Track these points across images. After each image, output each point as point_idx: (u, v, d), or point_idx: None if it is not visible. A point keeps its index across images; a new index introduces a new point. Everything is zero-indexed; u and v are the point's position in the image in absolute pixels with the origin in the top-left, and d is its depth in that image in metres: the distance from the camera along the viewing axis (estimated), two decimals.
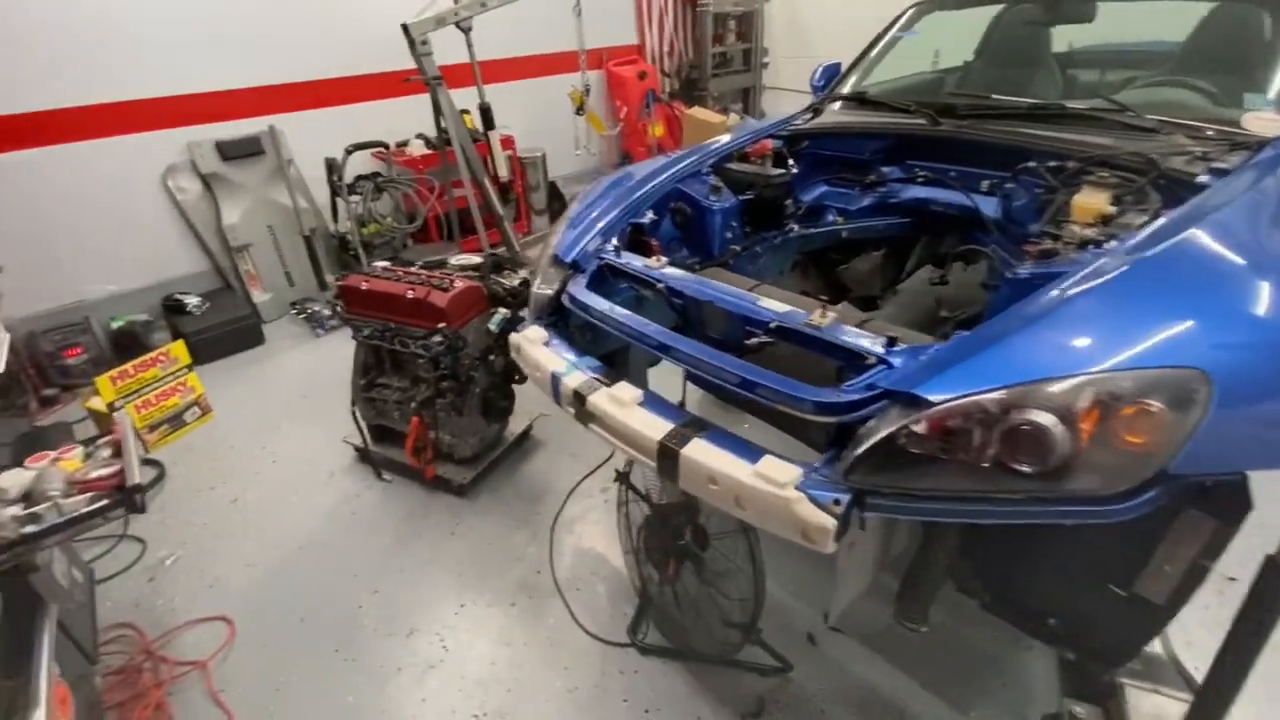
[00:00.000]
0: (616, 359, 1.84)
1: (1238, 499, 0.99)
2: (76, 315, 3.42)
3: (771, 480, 1.05)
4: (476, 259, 2.45)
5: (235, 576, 2.16)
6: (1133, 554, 1.07)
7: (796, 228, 2.27)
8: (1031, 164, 1.81)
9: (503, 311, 2.23)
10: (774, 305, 1.34)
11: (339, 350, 3.64)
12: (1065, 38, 3.25)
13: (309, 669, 1.83)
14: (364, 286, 2.21)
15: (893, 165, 2.23)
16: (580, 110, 4.50)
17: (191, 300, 3.66)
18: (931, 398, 1.00)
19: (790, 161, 2.32)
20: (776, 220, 2.25)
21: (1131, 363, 0.97)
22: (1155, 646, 1.56)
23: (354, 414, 2.49)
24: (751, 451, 1.13)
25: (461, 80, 3.66)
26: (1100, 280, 1.11)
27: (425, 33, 3.36)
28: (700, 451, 1.15)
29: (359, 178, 3.93)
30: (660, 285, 1.53)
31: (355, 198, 3.90)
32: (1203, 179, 1.55)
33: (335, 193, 3.83)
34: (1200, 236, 1.18)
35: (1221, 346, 0.97)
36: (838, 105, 2.56)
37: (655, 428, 1.21)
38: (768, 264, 2.24)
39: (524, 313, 1.84)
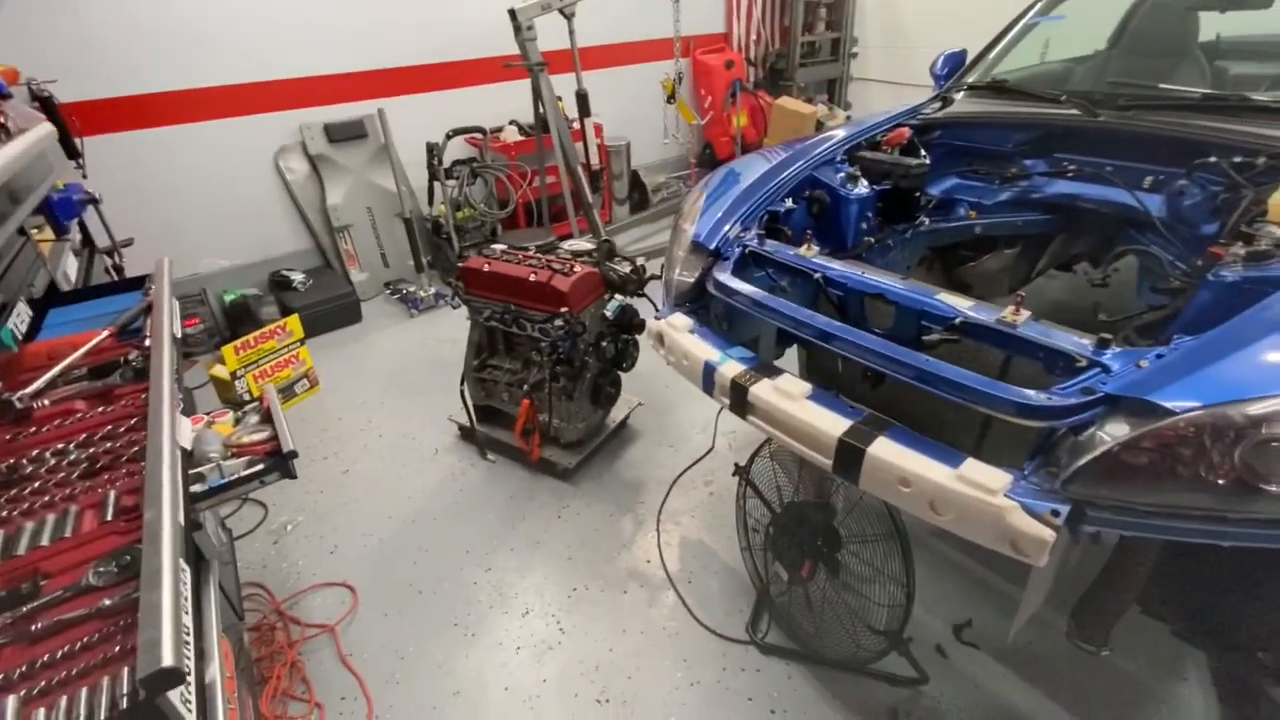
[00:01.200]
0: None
1: None
2: (194, 288, 3.60)
3: (980, 486, 0.99)
4: (589, 244, 2.45)
5: (353, 545, 2.23)
6: None
7: (927, 221, 2.17)
8: (1212, 159, 1.68)
9: (619, 298, 2.22)
10: (955, 300, 1.27)
11: (433, 330, 3.73)
12: (1212, 27, 3.02)
13: (431, 640, 1.87)
14: (486, 268, 2.24)
15: (1037, 159, 2.10)
16: (671, 99, 4.45)
17: (297, 276, 3.81)
18: (1172, 405, 0.92)
19: (922, 152, 2.23)
20: (908, 213, 2.16)
21: None
22: None
23: (462, 393, 2.53)
24: (947, 453, 1.08)
25: (557, 67, 3.67)
26: None
27: (531, 18, 3.38)
28: (889, 451, 1.10)
29: (456, 162, 3.99)
30: (817, 275, 1.48)
31: (452, 182, 3.97)
32: None
33: (434, 176, 3.90)
34: None
35: None
36: (960, 95, 2.43)
37: (833, 423, 1.17)
38: (897, 258, 2.15)
39: (652, 299, 1.81)
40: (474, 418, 2.57)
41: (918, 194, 2.17)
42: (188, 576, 0.94)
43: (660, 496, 2.34)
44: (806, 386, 1.26)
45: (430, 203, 4.12)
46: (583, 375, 2.26)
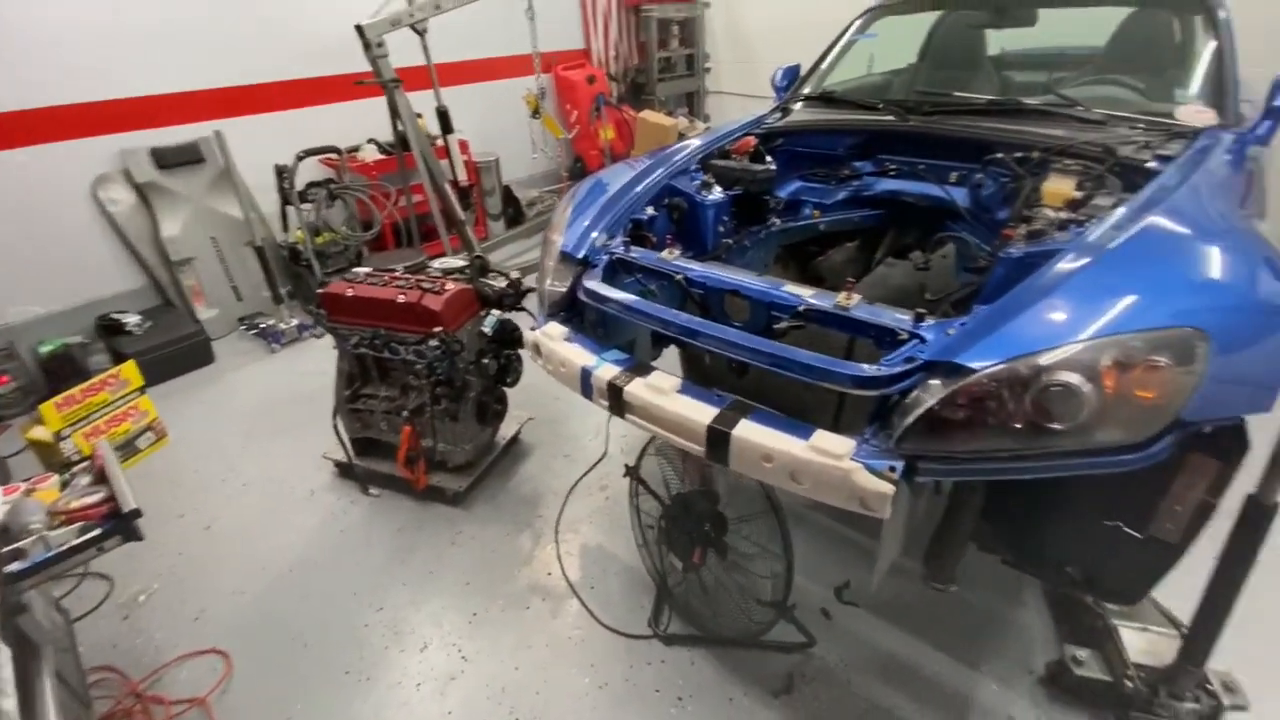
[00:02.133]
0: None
1: (1237, 441, 1.11)
2: (0, 340, 3.12)
3: (828, 453, 1.10)
4: (461, 261, 2.41)
5: (222, 606, 2.03)
6: (1147, 499, 1.18)
7: (778, 222, 2.35)
8: (999, 155, 1.96)
9: (496, 313, 2.21)
10: (799, 290, 1.40)
11: (298, 364, 3.49)
12: (997, 42, 3.52)
13: (322, 694, 1.75)
14: (350, 293, 2.14)
15: (864, 160, 2.35)
16: (536, 114, 4.48)
17: (130, 319, 3.41)
18: (974, 365, 1.07)
19: (768, 158, 2.42)
20: (760, 215, 2.33)
21: (1140, 324, 1.07)
22: None
23: (335, 427, 2.39)
24: (799, 428, 1.18)
25: (414, 84, 3.58)
26: (1099, 254, 1.22)
27: (381, 34, 3.27)
28: (751, 431, 1.18)
29: (310, 185, 3.76)
30: (679, 276, 1.56)
31: (307, 206, 3.74)
32: (1152, 165, 1.73)
33: (286, 201, 3.65)
34: (1177, 212, 1.32)
35: (1213, 309, 1.09)
36: (798, 105, 2.66)
37: (701, 412, 1.24)
38: (755, 257, 2.31)
39: (526, 313, 1.82)
40: (351, 452, 2.44)
41: (767, 197, 2.36)
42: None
43: (558, 507, 2.34)
44: (676, 381, 1.33)
45: (285, 229, 3.85)
46: (465, 395, 2.21)
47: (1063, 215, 1.64)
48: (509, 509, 2.37)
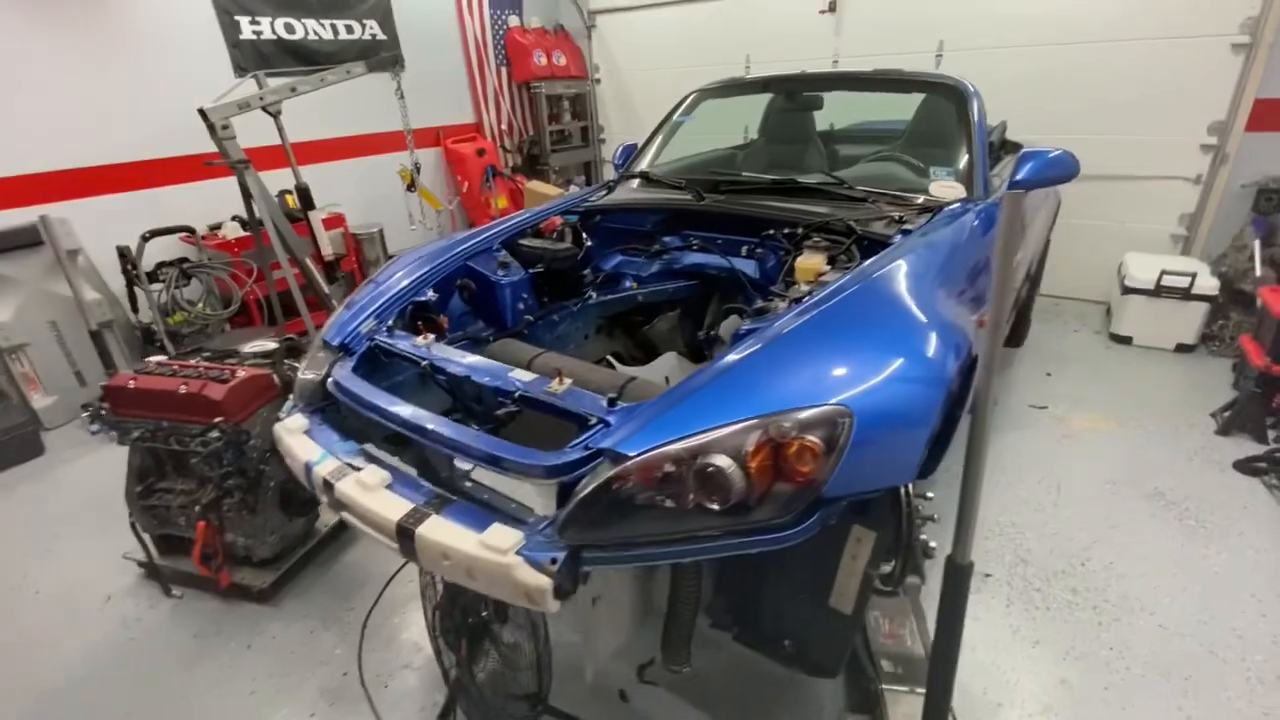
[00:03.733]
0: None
1: (888, 512, 1.16)
2: None
3: (494, 548, 1.09)
4: (273, 344, 2.36)
5: None
6: (821, 572, 1.21)
7: (595, 295, 2.41)
8: (770, 231, 2.09)
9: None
10: (521, 375, 1.41)
11: None
12: (828, 118, 3.81)
13: None
14: (132, 385, 2.05)
15: (672, 235, 2.46)
16: (411, 187, 4.53)
17: None
18: (629, 452, 1.10)
19: (584, 235, 2.50)
20: (574, 289, 2.38)
21: (788, 404, 1.13)
22: (918, 648, 1.74)
23: (133, 526, 2.24)
24: (485, 519, 1.17)
25: (282, 159, 3.59)
26: (774, 336, 1.29)
27: (226, 117, 3.28)
28: (434, 529, 1.17)
29: (160, 264, 3.66)
30: (425, 363, 1.56)
31: (157, 285, 3.63)
32: (896, 239, 1.86)
33: (131, 282, 3.54)
34: (855, 293, 1.41)
35: (862, 387, 1.16)
36: (635, 182, 2.79)
37: (395, 508, 1.22)
38: (569, 330, 2.35)
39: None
40: (152, 551, 2.29)
41: (584, 272, 2.43)
42: None
43: (374, 598, 2.23)
44: (386, 475, 1.31)
45: (134, 310, 3.71)
46: (261, 486, 2.12)
47: (805, 288, 1.74)
48: (320, 603, 2.25)
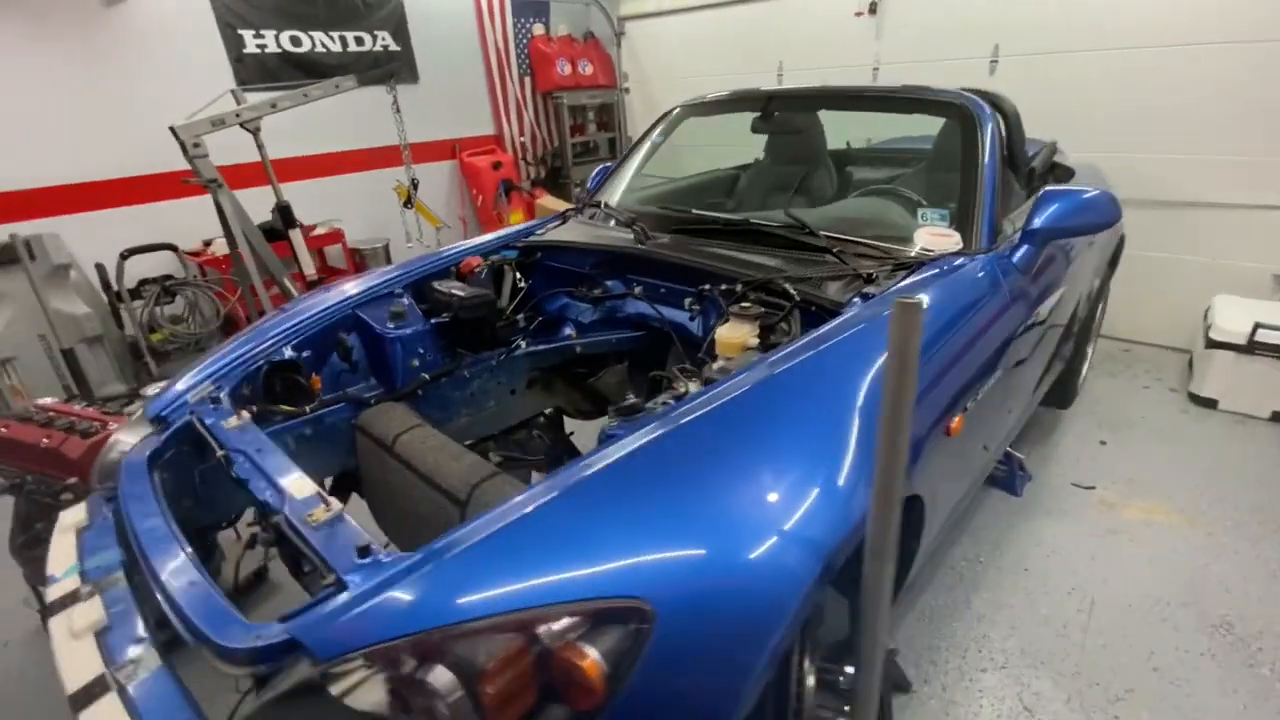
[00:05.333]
0: None
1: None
2: None
3: None
4: None
5: None
6: None
7: (523, 344, 2.10)
8: (706, 286, 1.71)
9: None
10: (293, 488, 1.11)
11: None
12: (843, 135, 3.35)
13: None
14: (2, 432, 1.90)
15: (616, 278, 2.11)
16: (408, 204, 4.38)
17: None
18: (319, 655, 0.78)
19: (518, 275, 2.19)
20: (501, 338, 2.08)
21: (568, 590, 0.77)
22: None
23: (25, 576, 2.11)
24: (174, 709, 0.88)
25: (286, 174, 3.51)
26: (569, 483, 0.93)
27: (199, 135, 3.19)
28: (103, 713, 0.88)
29: (143, 281, 3.63)
30: (220, 454, 1.29)
31: (138, 302, 3.60)
32: (852, 307, 1.46)
33: (114, 299, 3.52)
34: (733, 401, 1.03)
35: (676, 572, 0.79)
36: (590, 214, 2.46)
37: (80, 670, 0.94)
38: (489, 386, 2.05)
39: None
40: (42, 600, 2.14)
41: (517, 318, 2.12)
42: None
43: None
44: (102, 618, 1.03)
45: (120, 325, 3.70)
46: None
47: (715, 369, 1.37)
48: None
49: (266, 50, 4.24)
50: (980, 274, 1.56)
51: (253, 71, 4.20)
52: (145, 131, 3.92)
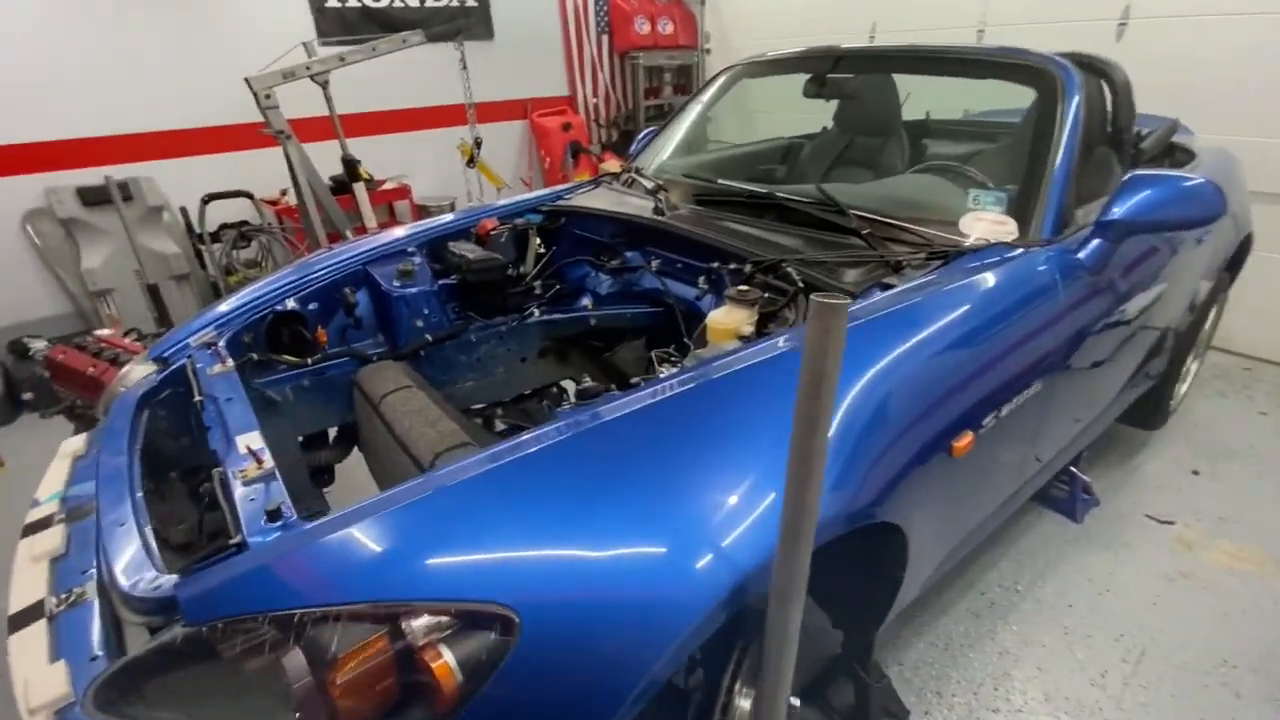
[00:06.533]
0: None
1: None
2: None
3: (33, 703, 0.81)
4: None
5: None
6: None
7: (536, 312, 2.06)
8: (716, 265, 1.58)
9: None
10: (241, 441, 1.11)
11: None
12: (922, 105, 3.02)
13: None
14: (60, 358, 2.06)
15: (636, 250, 2.01)
16: (471, 163, 4.40)
17: (37, 344, 3.59)
18: (190, 618, 0.76)
19: (539, 240, 2.14)
20: (515, 304, 2.04)
21: (434, 588, 0.72)
22: None
23: None
24: (80, 645, 0.90)
25: (358, 129, 3.63)
26: (490, 467, 0.86)
27: (270, 86, 3.31)
28: (25, 643, 0.91)
29: (222, 226, 3.87)
30: (198, 399, 1.32)
31: (218, 246, 3.84)
32: (864, 301, 1.29)
33: (197, 241, 3.77)
34: (632, 422, 0.92)
35: (544, 580, 0.71)
36: (622, 180, 2.35)
37: (25, 593, 0.99)
38: (496, 352, 2.03)
39: None
40: None
41: (534, 284, 2.07)
42: None
43: None
44: (58, 546, 1.08)
45: (204, 267, 3.98)
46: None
47: (695, 358, 1.26)
48: None
49: (347, 4, 4.34)
50: (1033, 270, 1.34)
51: (333, 24, 4.31)
52: (232, 82, 4.13)
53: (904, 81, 2.46)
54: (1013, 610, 2.00)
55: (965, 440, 1.13)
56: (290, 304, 1.67)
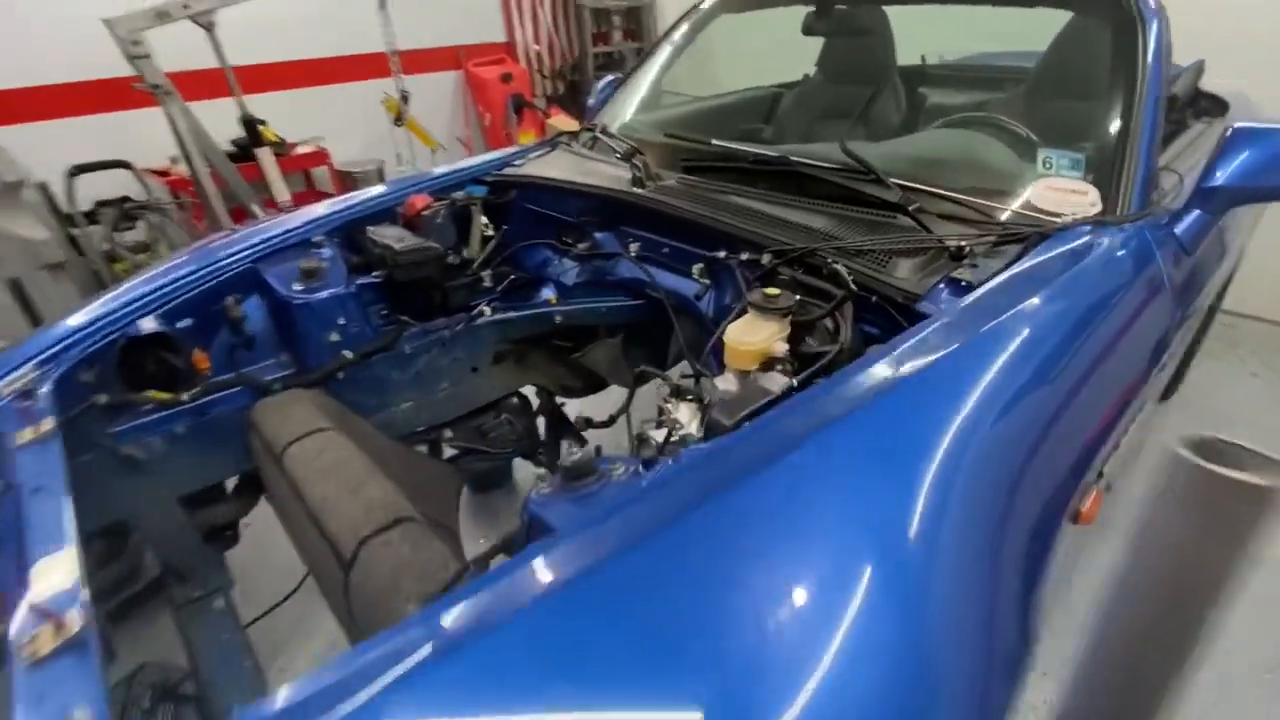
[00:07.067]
0: None
1: None
2: None
3: None
4: None
5: None
6: None
7: (487, 311, 1.65)
8: (721, 254, 1.23)
9: None
10: (41, 574, 0.71)
11: None
12: (918, 48, 2.69)
13: None
14: None
15: (607, 231, 1.62)
16: (399, 120, 3.84)
17: None
18: None
19: (484, 218, 1.72)
20: (458, 300, 1.63)
21: None
22: None
23: None
24: None
25: (259, 83, 3.03)
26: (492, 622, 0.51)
27: (138, 30, 2.69)
28: None
29: (99, 203, 3.24)
30: None
31: (95, 227, 3.22)
32: (935, 307, 0.96)
33: (65, 222, 3.14)
34: (689, 534, 0.58)
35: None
36: (584, 140, 1.94)
37: None
38: (438, 364, 1.62)
39: None
40: None
41: (484, 274, 1.67)
42: None
43: None
44: None
45: (79, 253, 3.34)
46: None
47: (719, 398, 0.92)
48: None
49: None
50: (1144, 259, 1.04)
51: None
52: (95, 27, 3.43)
53: (896, 18, 2.11)
54: None
55: (1093, 500, 0.83)
56: (148, 324, 1.22)
